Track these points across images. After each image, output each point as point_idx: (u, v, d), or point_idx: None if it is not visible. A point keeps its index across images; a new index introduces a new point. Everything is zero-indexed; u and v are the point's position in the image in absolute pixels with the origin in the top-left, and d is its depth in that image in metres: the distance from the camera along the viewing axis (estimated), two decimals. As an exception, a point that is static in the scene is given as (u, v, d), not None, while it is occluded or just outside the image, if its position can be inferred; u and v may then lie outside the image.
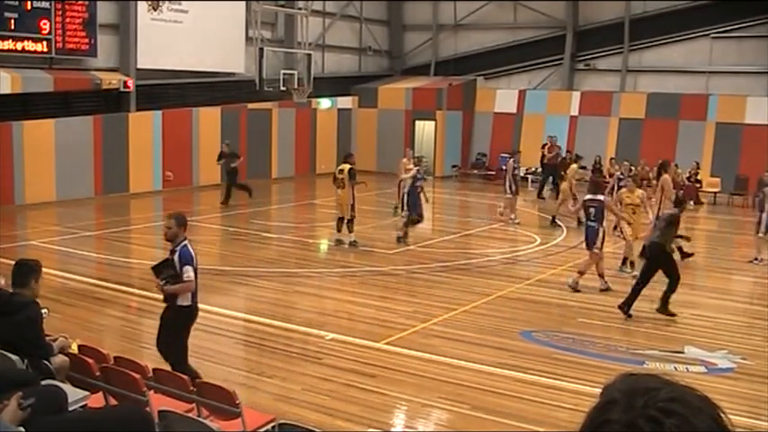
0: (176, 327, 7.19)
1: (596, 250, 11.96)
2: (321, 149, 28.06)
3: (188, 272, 6.97)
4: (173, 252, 7.06)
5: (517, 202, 18.85)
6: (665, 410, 1.14)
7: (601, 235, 11.95)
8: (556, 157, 23.45)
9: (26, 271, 6.16)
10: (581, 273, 12.00)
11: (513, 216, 18.48)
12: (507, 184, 18.35)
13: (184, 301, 7.12)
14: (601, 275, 12.01)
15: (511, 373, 8.20)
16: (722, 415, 1.18)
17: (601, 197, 12.23)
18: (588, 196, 12.22)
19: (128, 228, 16.73)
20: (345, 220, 15.15)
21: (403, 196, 16.00)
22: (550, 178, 23.35)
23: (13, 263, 6.42)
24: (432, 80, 29.76)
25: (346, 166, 15.16)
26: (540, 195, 23.30)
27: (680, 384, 1.20)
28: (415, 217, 15.76)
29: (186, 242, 7.12)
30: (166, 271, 7.04)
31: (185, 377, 5.78)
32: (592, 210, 11.99)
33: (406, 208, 15.80)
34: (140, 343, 8.97)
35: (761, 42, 24.62)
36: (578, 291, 11.83)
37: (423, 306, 10.99)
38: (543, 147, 23.91)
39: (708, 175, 24.06)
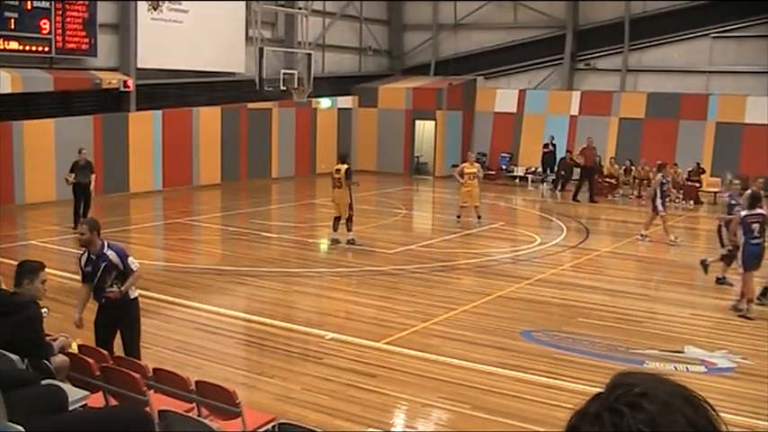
0: (138, 321, 7.33)
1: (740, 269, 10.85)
2: (321, 149, 28.04)
3: (134, 262, 7.18)
4: (101, 257, 7.05)
5: (656, 220, 16.48)
6: (631, 404, 1.14)
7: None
8: (593, 158, 23.43)
9: (20, 271, 6.20)
10: (749, 299, 10.76)
11: (644, 233, 16.49)
12: (658, 201, 16.03)
13: (134, 293, 7.24)
14: (745, 297, 10.81)
15: (511, 372, 8.20)
16: (709, 417, 1.16)
17: (761, 210, 10.90)
18: (747, 211, 10.85)
19: (127, 227, 16.73)
20: (344, 220, 15.17)
21: (719, 228, 13.37)
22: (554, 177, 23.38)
23: (16, 263, 6.43)
24: (432, 80, 29.76)
25: (343, 167, 15.18)
26: (575, 198, 23.26)
27: (670, 383, 1.19)
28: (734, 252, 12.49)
29: (107, 242, 7.24)
30: (109, 277, 7.04)
31: (185, 377, 5.78)
32: (756, 225, 10.75)
33: (727, 242, 12.62)
34: (141, 342, 8.96)
35: (761, 42, 24.62)
36: (751, 319, 10.53)
37: (423, 306, 10.98)
38: (582, 149, 23.85)
39: (708, 175, 24.05)
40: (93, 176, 16.09)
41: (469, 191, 17.78)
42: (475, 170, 18.00)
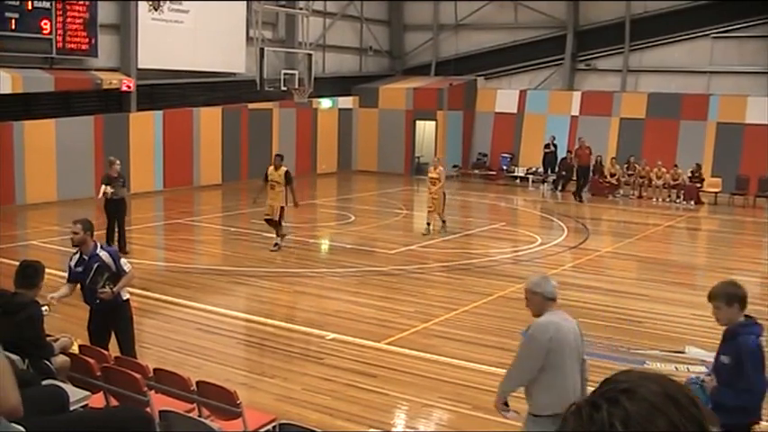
0: (131, 323, 7.36)
1: None
2: (322, 150, 28.05)
3: (126, 264, 7.20)
4: (93, 258, 7.04)
5: None
6: (611, 400, 1.15)
7: None
8: (588, 157, 23.45)
9: (32, 273, 6.20)
10: None
11: None
12: None
13: (125, 294, 7.27)
14: None
15: (512, 373, 8.19)
16: (695, 418, 1.15)
17: None
18: None
19: (128, 228, 16.69)
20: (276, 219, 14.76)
21: None
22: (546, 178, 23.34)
23: (17, 264, 6.43)
24: (432, 80, 29.75)
25: (283, 169, 14.82)
26: (579, 198, 23.21)
27: (659, 382, 1.18)
28: None
29: (99, 243, 7.26)
30: (101, 278, 7.01)
31: (186, 377, 5.78)
32: None
33: None
34: (141, 343, 8.95)
35: (762, 42, 24.62)
36: None
37: (423, 306, 10.99)
38: (576, 149, 24.00)
39: (709, 175, 24.05)
40: (125, 190, 14.51)
41: (431, 196, 16.70)
42: (436, 175, 16.62)
